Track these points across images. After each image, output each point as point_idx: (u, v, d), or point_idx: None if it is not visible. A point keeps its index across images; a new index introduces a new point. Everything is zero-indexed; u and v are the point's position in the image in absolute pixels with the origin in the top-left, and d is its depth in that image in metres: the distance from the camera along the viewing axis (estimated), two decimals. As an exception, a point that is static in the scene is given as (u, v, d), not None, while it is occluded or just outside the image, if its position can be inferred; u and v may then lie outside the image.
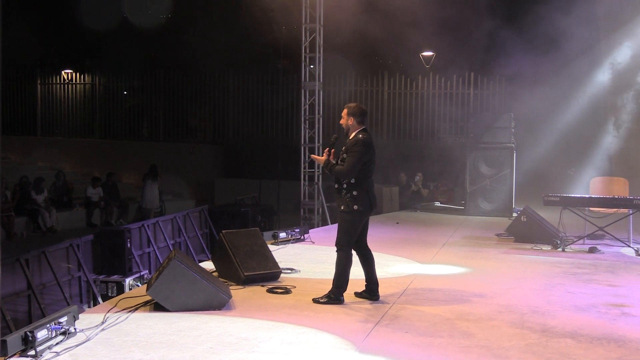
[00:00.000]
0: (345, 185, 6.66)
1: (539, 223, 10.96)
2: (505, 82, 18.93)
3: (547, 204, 10.79)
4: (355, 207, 6.61)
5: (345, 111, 6.88)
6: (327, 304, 6.65)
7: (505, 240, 11.30)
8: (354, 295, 7.00)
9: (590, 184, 12.41)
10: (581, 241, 10.72)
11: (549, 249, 10.38)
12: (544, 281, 8.07)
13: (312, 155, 7.47)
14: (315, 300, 6.73)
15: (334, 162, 6.78)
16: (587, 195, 11.38)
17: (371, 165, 6.76)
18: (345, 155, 6.70)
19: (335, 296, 6.72)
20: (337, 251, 6.77)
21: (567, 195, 11.30)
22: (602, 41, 15.24)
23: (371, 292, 6.96)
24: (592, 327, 6.02)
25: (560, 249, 10.28)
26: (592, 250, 10.25)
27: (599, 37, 15.22)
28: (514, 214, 13.67)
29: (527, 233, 10.95)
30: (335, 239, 6.77)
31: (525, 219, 11.10)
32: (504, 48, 15.23)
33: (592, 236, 10.88)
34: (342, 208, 6.70)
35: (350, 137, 6.79)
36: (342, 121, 6.90)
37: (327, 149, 6.90)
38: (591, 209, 11.02)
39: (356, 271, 6.92)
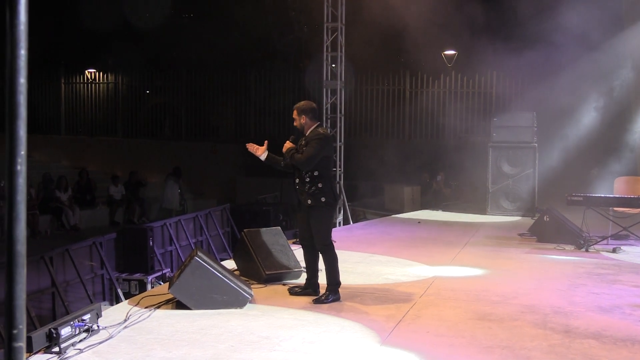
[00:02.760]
0: (308, 179, 6.62)
1: (562, 223, 10.86)
2: (527, 80, 18.79)
3: (571, 204, 10.68)
4: (323, 199, 6.60)
5: (295, 112, 6.87)
6: (332, 302, 6.65)
7: (528, 240, 11.22)
8: (289, 294, 7.02)
9: (614, 183, 12.27)
10: (605, 241, 10.60)
11: (572, 249, 10.28)
12: (567, 281, 8.00)
13: (249, 145, 6.92)
14: (318, 301, 6.69)
15: (294, 150, 6.72)
16: (611, 195, 11.25)
17: (331, 160, 6.83)
18: (304, 148, 6.68)
19: (335, 292, 6.73)
20: (322, 252, 6.75)
21: (590, 194, 11.18)
22: (627, 35, 15.02)
23: (314, 287, 6.97)
24: (616, 328, 5.96)
25: (583, 249, 10.18)
26: (616, 250, 10.14)
27: (623, 31, 15.01)
28: (537, 214, 13.56)
29: (550, 233, 10.86)
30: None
31: (548, 219, 11.01)
32: (526, 46, 15.11)
33: (616, 236, 10.75)
34: (310, 202, 6.62)
35: (307, 134, 6.76)
36: (295, 123, 6.87)
37: (287, 141, 6.85)
38: (615, 209, 10.90)
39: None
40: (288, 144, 6.79)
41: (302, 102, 6.96)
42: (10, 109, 1.59)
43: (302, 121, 6.81)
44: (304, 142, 6.73)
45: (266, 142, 6.86)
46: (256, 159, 6.94)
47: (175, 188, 18.26)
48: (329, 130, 14.73)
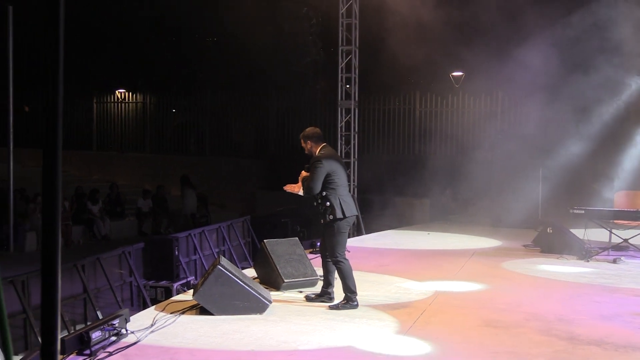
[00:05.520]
0: (320, 200, 6.70)
1: (564, 235, 10.77)
2: (532, 98, 18.68)
3: (573, 217, 10.60)
4: (331, 216, 6.62)
5: (301, 140, 6.96)
6: (347, 309, 6.63)
7: (532, 251, 11.13)
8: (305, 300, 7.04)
9: (615, 197, 12.16)
10: (606, 252, 10.50)
11: (575, 259, 10.19)
12: (570, 290, 7.93)
13: (286, 186, 7.09)
14: (334, 307, 6.69)
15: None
16: (611, 209, 11.16)
17: (338, 176, 6.74)
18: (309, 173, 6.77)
19: (351, 301, 6.71)
20: (335, 264, 6.76)
21: (592, 208, 11.08)
22: (630, 49, 14.83)
23: (328, 294, 6.97)
24: (618, 335, 5.89)
25: (585, 260, 10.08)
26: (617, 261, 10.03)
27: (627, 44, 14.83)
28: (541, 226, 13.44)
29: (554, 244, 10.76)
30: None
31: (551, 231, 10.92)
32: (531, 63, 15.01)
33: (616, 248, 10.65)
34: (322, 221, 6.75)
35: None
36: (305, 150, 6.95)
37: (302, 171, 6.91)
38: (615, 221, 10.79)
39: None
40: (303, 174, 6.84)
41: (306, 130, 7.04)
42: (48, 129, 1.61)
43: (309, 146, 6.90)
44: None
45: (300, 178, 6.88)
46: (276, 174, 7.00)
47: (193, 194, 18.27)
48: (338, 146, 14.75)
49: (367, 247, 11.63)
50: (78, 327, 7.81)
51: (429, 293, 7.58)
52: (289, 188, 6.98)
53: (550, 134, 15.82)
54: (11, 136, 12.57)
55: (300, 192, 6.86)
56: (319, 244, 10.37)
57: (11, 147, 12.55)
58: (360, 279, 7.59)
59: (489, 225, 14.73)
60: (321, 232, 7.05)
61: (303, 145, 6.95)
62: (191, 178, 18.73)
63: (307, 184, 6.65)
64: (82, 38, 21.81)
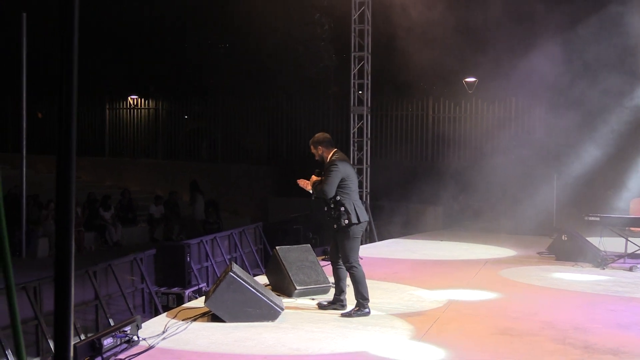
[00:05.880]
0: (332, 205, 6.67)
1: (579, 242, 10.70)
2: (545, 104, 18.60)
3: (588, 224, 10.53)
4: (346, 221, 6.60)
5: (312, 147, 6.95)
6: (359, 316, 6.62)
7: (547, 259, 11.06)
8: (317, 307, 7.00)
9: (630, 204, 12.08)
10: (622, 260, 10.42)
11: (590, 267, 10.11)
12: (585, 299, 7.87)
13: (300, 180, 7.08)
14: (346, 314, 6.67)
15: (317, 183, 6.80)
16: (627, 215, 11.07)
17: (352, 181, 6.78)
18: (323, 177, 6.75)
19: (363, 307, 6.70)
20: (348, 270, 6.75)
21: (607, 215, 11.00)
22: None
23: (340, 302, 6.94)
24: (635, 344, 5.83)
25: (601, 268, 10.00)
26: (633, 269, 9.95)
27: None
28: (555, 233, 13.37)
29: (568, 252, 10.69)
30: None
31: (566, 238, 10.85)
32: (544, 68, 14.95)
33: (632, 255, 10.55)
34: (335, 227, 6.70)
35: (326, 163, 6.85)
36: (316, 157, 6.95)
37: (313, 175, 6.92)
38: (632, 228, 10.71)
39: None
40: (314, 178, 6.85)
41: (316, 135, 7.04)
42: (62, 136, 1.61)
43: (320, 152, 6.90)
44: (323, 172, 6.81)
45: (311, 181, 6.88)
46: (288, 180, 7.01)
47: (201, 199, 18.37)
48: (351, 153, 14.74)
49: (379, 254, 11.60)
50: (89, 333, 7.83)
51: (442, 301, 7.54)
52: (302, 183, 6.98)
53: (564, 139, 15.73)
54: (24, 142, 12.65)
55: (311, 190, 6.86)
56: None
57: (24, 153, 12.63)
58: (372, 286, 7.56)
59: (503, 233, 14.65)
60: (331, 238, 7.04)
61: (313, 151, 6.95)
62: (202, 184, 18.79)
63: (322, 187, 6.63)
64: (95, 43, 21.95)
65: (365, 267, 7.05)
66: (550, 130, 16.98)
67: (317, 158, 6.95)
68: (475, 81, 20.02)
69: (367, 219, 6.91)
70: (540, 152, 14.93)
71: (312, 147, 6.96)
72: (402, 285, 8.52)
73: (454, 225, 16.55)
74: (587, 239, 10.90)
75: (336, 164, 6.69)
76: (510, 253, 11.82)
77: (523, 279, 9.22)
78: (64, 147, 1.62)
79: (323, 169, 6.87)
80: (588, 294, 8.14)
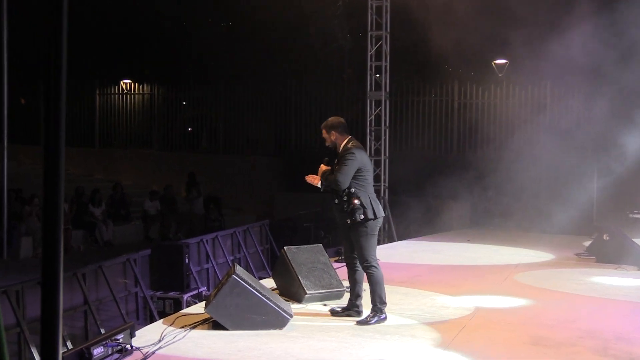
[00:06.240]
0: (345, 197, 6.61)
1: (623, 242, 10.65)
2: (584, 90, 18.50)
3: (632, 222, 10.48)
4: (362, 216, 6.56)
5: (324, 131, 6.92)
6: (376, 323, 6.62)
7: (586, 261, 11.02)
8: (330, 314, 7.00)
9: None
10: (670, 262, 10.37)
11: (635, 270, 10.06)
12: (629, 305, 7.84)
13: (308, 176, 7.05)
14: (362, 322, 6.67)
15: (328, 172, 6.77)
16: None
17: (368, 172, 6.79)
18: (337, 166, 6.71)
19: (381, 313, 6.70)
20: (365, 270, 6.73)
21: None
22: None
23: (356, 307, 6.92)
24: (684, 356, 5.81)
25: (647, 271, 9.96)
26: (683, 272, 9.91)
27: None
28: (595, 232, 13.31)
29: (610, 253, 10.65)
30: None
31: (608, 238, 10.80)
32: (583, 49, 14.85)
33: (682, 257, 10.50)
34: (348, 222, 6.63)
35: (340, 151, 6.81)
36: (327, 142, 6.93)
37: (322, 164, 6.89)
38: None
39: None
40: (323, 167, 6.83)
41: (329, 119, 7.00)
42: (47, 126, 1.62)
43: (333, 138, 6.86)
44: (336, 160, 6.79)
45: (320, 171, 6.87)
46: (297, 174, 6.98)
47: (200, 194, 18.51)
48: (367, 142, 14.73)
49: (398, 255, 11.60)
50: (78, 342, 7.87)
51: (468, 308, 7.53)
52: (310, 178, 6.96)
53: (605, 129, 15.64)
54: (5, 131, 12.75)
55: (319, 185, 6.85)
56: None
57: (5, 143, 12.72)
58: (390, 290, 7.56)
59: (537, 232, 14.61)
60: (343, 237, 7.01)
61: (325, 136, 6.91)
62: (202, 177, 18.85)
63: (335, 177, 6.59)
64: (83, 23, 22.00)
65: (385, 269, 7.04)
66: (590, 119, 16.86)
67: (328, 144, 6.92)
68: (506, 63, 19.93)
69: (384, 215, 6.90)
70: (578, 142, 14.83)
71: (324, 131, 6.93)
72: (423, 291, 8.51)
73: (482, 224, 16.53)
74: (632, 238, 10.85)
75: (353, 152, 6.67)
76: (544, 255, 11.79)
77: (559, 283, 9.20)
78: (52, 139, 1.63)
79: (333, 157, 6.85)
80: (632, 300, 8.11)
